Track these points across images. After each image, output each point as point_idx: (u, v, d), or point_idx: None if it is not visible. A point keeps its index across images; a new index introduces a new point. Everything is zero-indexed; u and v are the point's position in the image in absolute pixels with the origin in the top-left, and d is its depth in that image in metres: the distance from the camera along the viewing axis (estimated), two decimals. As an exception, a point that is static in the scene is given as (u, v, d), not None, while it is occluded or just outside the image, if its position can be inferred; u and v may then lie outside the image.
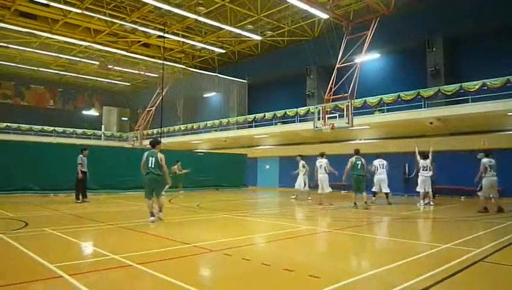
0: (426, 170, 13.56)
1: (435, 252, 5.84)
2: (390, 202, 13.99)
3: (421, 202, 13.67)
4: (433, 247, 6.15)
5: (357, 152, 13.06)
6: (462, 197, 17.67)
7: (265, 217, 11.07)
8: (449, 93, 18.45)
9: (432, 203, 13.62)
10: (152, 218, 8.74)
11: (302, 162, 16.41)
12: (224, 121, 30.32)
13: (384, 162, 14.54)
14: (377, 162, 14.49)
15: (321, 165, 13.98)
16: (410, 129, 20.14)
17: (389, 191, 14.34)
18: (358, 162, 12.63)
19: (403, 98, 19.69)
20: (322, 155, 14.40)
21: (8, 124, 32.88)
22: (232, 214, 10.90)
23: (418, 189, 13.82)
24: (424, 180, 13.54)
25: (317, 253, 6.34)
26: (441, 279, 4.30)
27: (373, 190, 14.50)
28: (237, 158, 26.14)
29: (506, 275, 4.86)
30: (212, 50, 29.33)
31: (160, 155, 8.94)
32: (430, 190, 13.58)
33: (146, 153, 8.98)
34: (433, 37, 20.40)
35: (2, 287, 3.90)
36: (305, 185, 16.27)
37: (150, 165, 8.84)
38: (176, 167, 18.33)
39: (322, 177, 13.86)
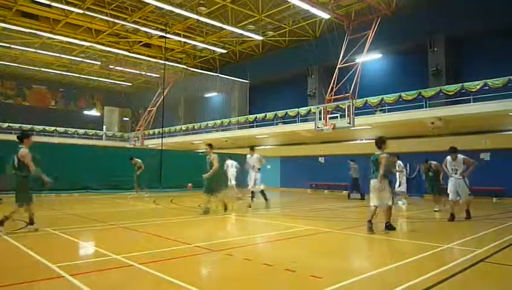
0: (401, 171, 14.60)
1: (436, 252, 5.84)
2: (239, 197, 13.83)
3: (404, 201, 14.59)
4: (435, 247, 6.15)
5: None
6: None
7: (266, 217, 11.07)
8: (450, 93, 18.43)
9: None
10: (30, 226, 7.36)
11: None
12: (225, 121, 30.33)
13: (235, 162, 16.39)
14: (229, 162, 16.20)
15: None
16: (411, 129, 20.13)
17: (234, 184, 15.44)
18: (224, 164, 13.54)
19: (404, 98, 19.67)
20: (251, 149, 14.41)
21: (10, 124, 32.94)
22: (233, 214, 10.90)
23: (402, 189, 14.73)
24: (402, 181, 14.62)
25: (318, 253, 6.33)
26: (443, 279, 4.30)
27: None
28: (238, 158, 26.11)
29: (508, 276, 4.85)
30: (214, 50, 29.33)
31: (21, 151, 7.25)
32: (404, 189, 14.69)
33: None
34: (435, 37, 20.38)
35: (5, 286, 3.91)
36: (255, 183, 16.56)
37: (13, 164, 7.37)
38: (135, 160, 16.37)
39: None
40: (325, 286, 3.97)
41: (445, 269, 4.72)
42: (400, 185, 14.46)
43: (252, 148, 13.59)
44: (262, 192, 13.32)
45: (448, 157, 9.92)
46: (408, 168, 20.13)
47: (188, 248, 5.97)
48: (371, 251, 6.44)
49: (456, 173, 9.75)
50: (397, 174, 14.39)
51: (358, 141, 23.21)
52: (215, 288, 4.29)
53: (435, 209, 12.10)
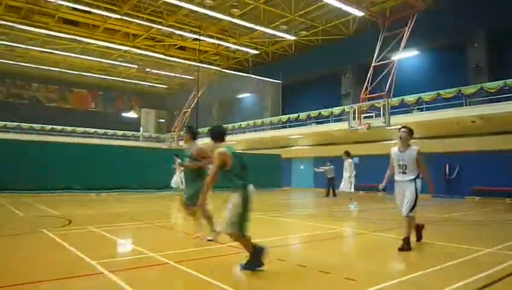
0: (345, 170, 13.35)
1: (476, 257, 5.61)
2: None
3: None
4: (475, 251, 5.91)
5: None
6: (507, 199, 16.86)
7: (299, 217, 11.03)
8: (492, 90, 17.64)
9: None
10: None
11: (178, 160, 17.10)
12: (258, 121, 30.42)
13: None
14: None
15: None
16: (451, 128, 19.43)
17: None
18: None
19: (443, 96, 19.02)
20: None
21: (54, 126, 34.55)
22: (267, 215, 10.92)
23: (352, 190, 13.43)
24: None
25: (353, 255, 6.25)
26: (482, 286, 4.13)
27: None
28: (271, 159, 26.16)
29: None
30: (246, 51, 29.53)
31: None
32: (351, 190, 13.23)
33: None
34: (475, 32, 19.58)
35: (46, 281, 4.12)
36: (182, 183, 17.14)
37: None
38: None
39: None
40: (360, 289, 3.92)
41: (486, 275, 4.53)
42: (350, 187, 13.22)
43: None
44: None
45: (395, 149, 6.25)
46: (447, 169, 19.52)
47: (222, 248, 6.04)
48: (408, 253, 6.27)
49: (404, 173, 6.12)
50: (353, 174, 13.30)
51: (394, 141, 22.65)
52: (247, 287, 4.33)
53: None
